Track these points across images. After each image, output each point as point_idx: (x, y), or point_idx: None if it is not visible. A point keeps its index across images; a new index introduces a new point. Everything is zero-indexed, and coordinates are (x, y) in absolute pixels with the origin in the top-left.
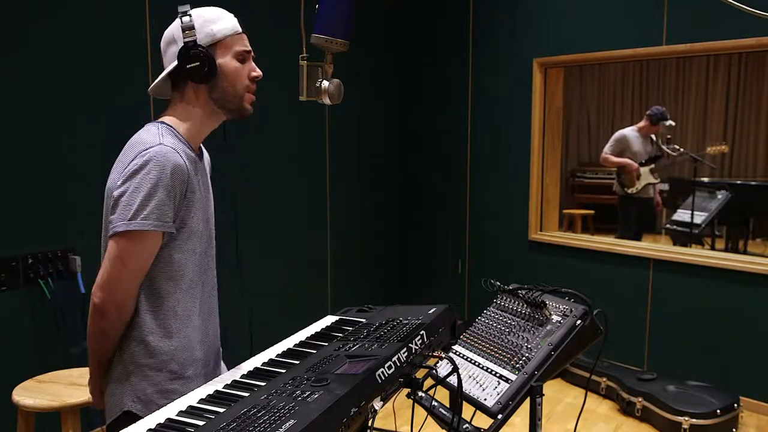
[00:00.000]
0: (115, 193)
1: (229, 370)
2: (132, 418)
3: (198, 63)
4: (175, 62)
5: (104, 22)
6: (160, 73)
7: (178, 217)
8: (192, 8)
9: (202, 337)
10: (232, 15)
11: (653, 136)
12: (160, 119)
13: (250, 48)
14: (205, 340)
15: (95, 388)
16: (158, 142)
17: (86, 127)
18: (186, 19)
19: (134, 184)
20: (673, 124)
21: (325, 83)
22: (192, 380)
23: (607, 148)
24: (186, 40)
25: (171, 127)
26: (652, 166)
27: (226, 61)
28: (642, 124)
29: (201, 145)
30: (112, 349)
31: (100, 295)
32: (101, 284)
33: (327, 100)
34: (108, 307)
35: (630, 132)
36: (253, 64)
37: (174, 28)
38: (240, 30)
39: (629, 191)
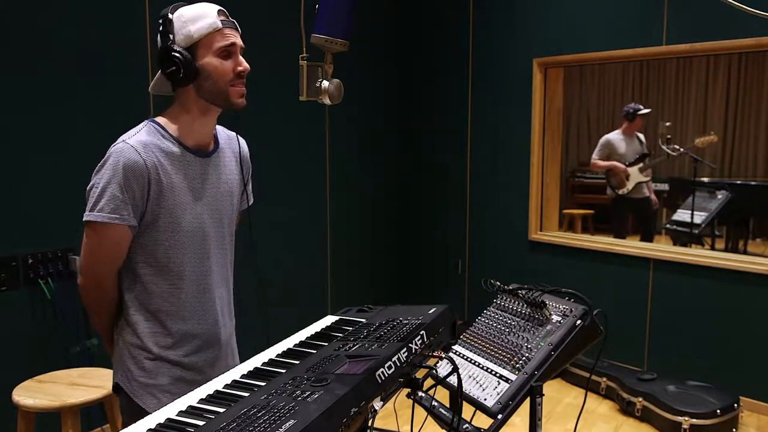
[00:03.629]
0: (87, 186)
1: None
2: (121, 391)
3: (174, 67)
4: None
5: (104, 21)
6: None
7: (147, 211)
8: (180, 6)
9: (194, 328)
10: (215, 10)
11: (640, 135)
12: (154, 117)
13: (233, 41)
14: (197, 332)
15: (111, 353)
16: (123, 140)
17: (86, 126)
18: (164, 22)
19: (96, 178)
20: (647, 110)
21: (325, 83)
22: (176, 366)
23: (594, 154)
24: (162, 43)
25: (157, 125)
26: (641, 165)
27: (207, 59)
28: (624, 125)
29: (223, 138)
30: (106, 323)
31: (80, 277)
32: (79, 267)
33: (327, 100)
34: (88, 289)
35: (614, 135)
36: (240, 57)
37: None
38: (220, 26)
39: (620, 192)
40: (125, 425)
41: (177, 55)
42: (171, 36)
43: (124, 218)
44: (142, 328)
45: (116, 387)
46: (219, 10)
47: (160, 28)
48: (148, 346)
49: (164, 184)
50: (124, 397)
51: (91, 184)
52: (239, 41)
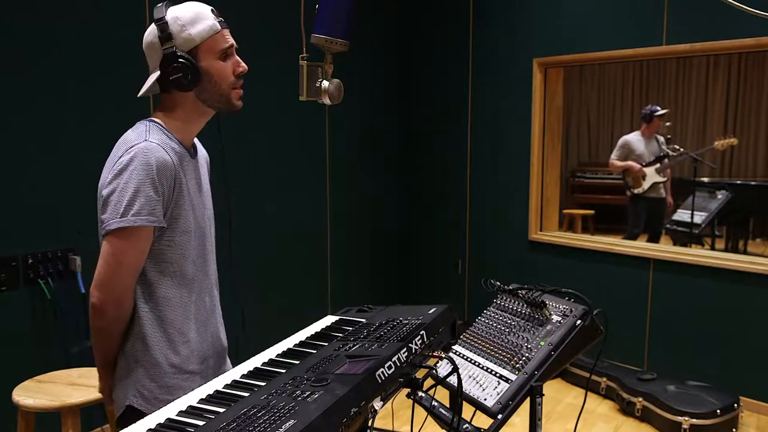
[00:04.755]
0: (104, 192)
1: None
2: (135, 413)
3: (180, 74)
4: (158, 72)
5: (104, 22)
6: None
7: (168, 211)
8: (169, 6)
9: (204, 334)
10: (209, 10)
11: (659, 137)
12: (150, 117)
13: (232, 41)
14: (208, 338)
15: (104, 387)
16: (144, 139)
17: (86, 127)
18: (162, 26)
19: (122, 181)
20: (664, 111)
21: (325, 83)
22: (195, 376)
23: (612, 155)
24: (165, 51)
25: (159, 124)
26: (658, 165)
27: (209, 63)
28: (642, 127)
29: (197, 142)
30: (116, 347)
31: (97, 295)
32: (98, 284)
33: (327, 100)
34: (106, 306)
35: (632, 136)
36: (237, 57)
37: (153, 35)
38: (219, 28)
39: (635, 192)
40: None
41: (183, 61)
42: (171, 40)
43: (159, 220)
44: (160, 342)
45: (127, 411)
46: (212, 10)
47: (159, 33)
48: (168, 359)
49: (183, 185)
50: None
51: (112, 188)
52: (233, 41)
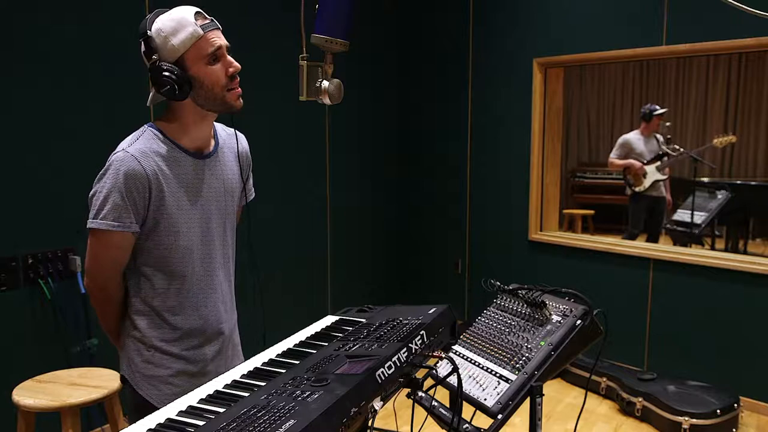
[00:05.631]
0: (90, 194)
1: None
2: (125, 381)
3: (168, 87)
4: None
5: (105, 22)
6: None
7: (148, 217)
8: (156, 17)
9: (197, 325)
10: (192, 14)
11: (658, 136)
12: (153, 121)
13: (220, 43)
14: (202, 328)
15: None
16: (122, 149)
17: (86, 127)
18: (146, 41)
19: (98, 186)
20: (663, 110)
21: (325, 83)
22: (178, 359)
23: (612, 154)
24: (151, 65)
25: (157, 129)
26: (658, 163)
27: (198, 69)
28: (642, 126)
29: (227, 136)
30: (113, 321)
31: (86, 280)
32: (85, 272)
33: (327, 100)
34: (92, 290)
35: (632, 135)
36: (229, 58)
37: (141, 49)
38: (201, 32)
39: (636, 190)
40: (128, 416)
41: (168, 74)
42: (156, 54)
43: (126, 225)
44: (147, 324)
45: (122, 379)
46: (196, 13)
47: (143, 49)
48: (151, 340)
49: (165, 190)
50: (128, 388)
51: (93, 191)
52: (224, 41)
